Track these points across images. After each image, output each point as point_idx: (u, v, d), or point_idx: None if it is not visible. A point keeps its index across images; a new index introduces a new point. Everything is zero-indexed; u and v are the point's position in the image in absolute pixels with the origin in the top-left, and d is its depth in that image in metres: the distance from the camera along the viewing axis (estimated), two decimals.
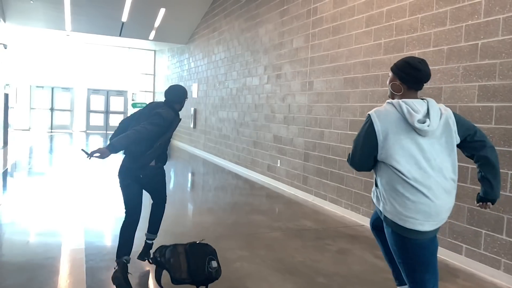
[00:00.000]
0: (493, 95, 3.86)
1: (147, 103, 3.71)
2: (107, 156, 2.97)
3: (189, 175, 9.84)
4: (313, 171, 6.72)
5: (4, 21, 12.24)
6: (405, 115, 2.10)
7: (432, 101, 2.18)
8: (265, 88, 8.53)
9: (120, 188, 3.44)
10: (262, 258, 4.07)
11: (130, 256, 3.33)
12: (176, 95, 3.52)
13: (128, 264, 3.25)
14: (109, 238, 4.62)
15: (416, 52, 4.69)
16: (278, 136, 7.93)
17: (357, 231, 5.16)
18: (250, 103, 9.24)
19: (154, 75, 19.54)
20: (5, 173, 8.30)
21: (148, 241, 3.75)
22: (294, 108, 7.38)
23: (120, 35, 14.02)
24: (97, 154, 2.89)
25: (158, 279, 3.24)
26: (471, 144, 2.25)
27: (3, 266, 3.63)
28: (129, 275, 3.24)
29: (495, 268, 3.81)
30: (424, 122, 2.09)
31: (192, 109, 13.45)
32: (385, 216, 2.20)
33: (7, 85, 13.63)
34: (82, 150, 3.05)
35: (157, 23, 13.23)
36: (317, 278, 3.64)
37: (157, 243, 4.17)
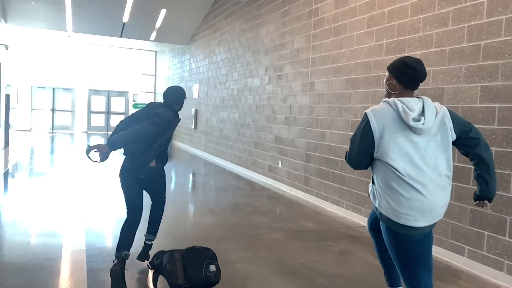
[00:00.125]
0: (496, 96, 3.85)
1: (147, 103, 3.70)
2: (106, 153, 3.01)
3: (190, 175, 9.83)
4: (314, 172, 6.70)
5: (6, 22, 12.25)
6: (401, 113, 2.14)
7: (427, 100, 2.21)
8: (266, 89, 8.52)
9: (121, 188, 3.45)
10: (263, 259, 4.05)
11: (129, 260, 3.35)
12: (175, 97, 3.55)
13: (126, 260, 3.27)
14: (110, 239, 4.61)
15: (418, 53, 4.68)
16: (279, 137, 7.92)
17: (358, 232, 5.14)
18: (251, 103, 9.23)
19: (155, 75, 19.54)
20: (6, 174, 8.30)
21: (147, 242, 3.76)
22: (295, 109, 7.37)
23: (121, 36, 14.03)
24: (95, 150, 2.91)
25: (154, 284, 3.28)
26: (466, 141, 2.28)
27: (4, 267, 3.62)
28: (128, 275, 3.24)
29: (497, 269, 3.79)
30: (419, 121, 2.13)
31: (193, 109, 13.44)
32: (380, 213, 2.24)
33: (8, 85, 13.64)
34: (88, 156, 3.07)
35: (158, 23, 13.23)
36: (318, 280, 3.63)
37: (158, 244, 4.16)
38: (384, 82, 2.35)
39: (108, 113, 19.63)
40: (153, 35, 14.15)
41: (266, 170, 8.43)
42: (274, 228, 5.21)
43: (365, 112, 2.24)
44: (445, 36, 4.36)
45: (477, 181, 2.36)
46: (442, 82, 4.38)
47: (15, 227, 4.93)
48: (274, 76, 8.18)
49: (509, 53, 3.74)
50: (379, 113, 2.19)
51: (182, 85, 14.97)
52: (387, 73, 2.33)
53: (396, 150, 2.13)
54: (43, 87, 18.68)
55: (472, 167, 3.81)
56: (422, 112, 2.16)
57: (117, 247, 3.29)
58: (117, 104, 19.79)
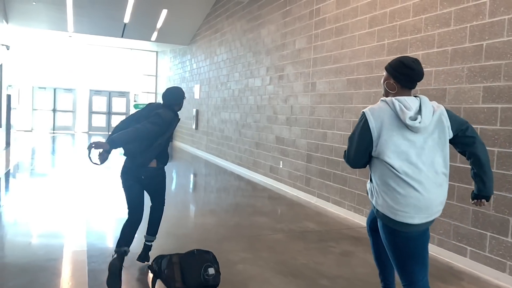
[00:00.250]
0: (498, 96, 3.83)
1: (147, 104, 3.72)
2: (106, 153, 3.05)
3: (191, 176, 9.82)
4: (316, 172, 6.69)
5: (7, 22, 12.26)
6: (398, 112, 2.17)
7: (425, 98, 2.24)
8: (268, 89, 8.51)
9: (122, 188, 3.48)
10: (265, 260, 4.04)
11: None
12: (174, 98, 3.57)
13: (126, 256, 3.28)
14: (111, 239, 4.60)
15: (419, 53, 4.67)
16: (281, 137, 7.90)
17: (360, 233, 5.12)
18: (252, 104, 9.22)
19: (156, 76, 19.54)
20: (7, 174, 8.30)
21: (147, 243, 3.78)
22: (296, 109, 7.36)
23: (122, 36, 14.03)
24: (94, 146, 2.93)
25: (152, 287, 3.28)
26: (463, 140, 2.32)
27: (5, 267, 3.62)
28: (128, 276, 3.22)
29: (500, 271, 3.78)
30: (415, 119, 2.16)
31: (194, 110, 13.43)
32: (377, 210, 2.28)
33: (9, 86, 13.65)
34: (89, 157, 3.10)
35: (159, 24, 13.23)
36: (320, 281, 3.61)
37: (159, 245, 4.15)
38: (382, 81, 2.39)
39: (109, 113, 19.63)
40: (154, 36, 14.15)
41: (267, 171, 8.41)
42: (276, 229, 5.19)
43: (363, 111, 2.26)
44: (447, 36, 4.35)
45: (474, 180, 2.39)
46: (444, 83, 4.36)
47: (16, 228, 4.93)
48: (275, 77, 8.17)
49: (511, 53, 3.72)
50: (377, 112, 2.22)
51: (183, 85, 14.97)
52: (384, 73, 2.36)
53: (393, 148, 2.16)
54: (44, 88, 18.69)
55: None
56: (419, 111, 2.19)
57: (117, 243, 3.31)
58: (118, 105, 19.79)
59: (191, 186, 8.62)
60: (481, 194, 2.39)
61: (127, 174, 3.44)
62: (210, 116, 12.11)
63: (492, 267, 3.84)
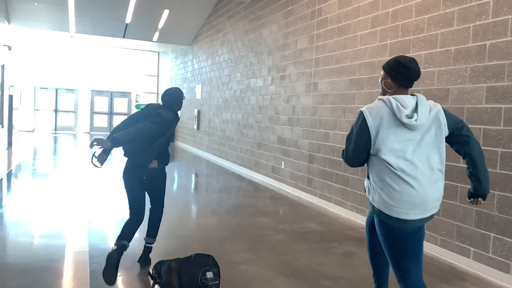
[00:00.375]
0: (502, 97, 3.81)
1: (146, 104, 3.74)
2: (105, 155, 3.12)
3: (193, 176, 9.81)
4: (318, 173, 6.67)
5: (9, 22, 12.27)
6: (394, 110, 2.21)
7: (421, 97, 2.29)
8: (269, 90, 8.50)
9: (124, 189, 3.50)
10: (267, 261, 4.02)
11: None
12: (174, 99, 3.60)
13: (125, 251, 3.29)
14: (113, 240, 4.57)
15: (422, 53, 4.65)
16: (282, 137, 7.89)
17: (362, 233, 5.10)
18: (254, 104, 9.21)
19: (158, 76, 19.55)
20: (9, 174, 8.30)
21: (147, 245, 3.78)
22: (298, 109, 7.34)
23: (124, 37, 14.03)
24: (96, 143, 2.92)
25: None
26: (458, 138, 2.36)
27: (7, 268, 3.61)
28: (130, 277, 3.20)
29: (503, 272, 3.75)
30: (411, 117, 2.20)
31: (196, 110, 13.43)
32: (373, 206, 2.33)
33: (11, 86, 13.67)
34: (91, 160, 3.19)
35: (160, 24, 13.23)
36: (322, 282, 3.60)
37: (161, 245, 4.15)
38: (379, 80, 2.42)
39: (111, 113, 19.64)
40: (156, 36, 14.15)
41: (269, 171, 8.40)
42: (278, 230, 5.18)
43: (360, 110, 2.30)
44: (450, 36, 4.33)
45: (470, 179, 2.43)
46: (447, 83, 4.34)
47: (18, 228, 4.92)
48: (277, 77, 8.16)
49: None
50: (375, 110, 2.26)
51: (184, 85, 14.98)
52: (382, 72, 2.39)
53: (389, 145, 2.21)
54: (46, 88, 18.71)
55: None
56: (416, 109, 2.23)
57: (117, 237, 3.33)
58: (120, 105, 19.80)
59: (192, 186, 8.61)
60: (477, 193, 2.42)
61: (128, 175, 3.48)
62: (211, 116, 12.10)
63: (496, 268, 3.82)
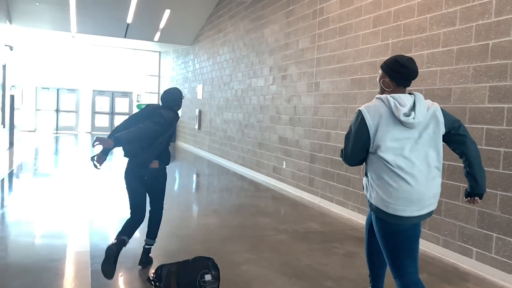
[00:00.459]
0: (505, 96, 3.79)
1: (145, 105, 3.79)
2: (104, 155, 3.18)
3: (194, 176, 9.80)
4: (319, 172, 6.66)
5: (10, 23, 12.28)
6: (392, 109, 2.25)
7: (419, 95, 2.32)
8: (271, 89, 8.48)
9: (126, 189, 3.52)
10: (268, 261, 4.01)
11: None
12: (173, 100, 3.64)
13: (124, 247, 3.33)
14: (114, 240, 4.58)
15: (424, 53, 4.63)
16: (284, 137, 7.88)
17: (364, 233, 5.08)
18: (255, 104, 9.19)
19: (159, 76, 19.55)
20: (11, 174, 8.30)
21: (146, 246, 3.76)
22: (300, 109, 7.33)
23: (125, 37, 14.03)
24: (97, 143, 2.95)
25: None
26: (454, 137, 2.39)
27: (8, 268, 3.60)
28: (131, 278, 3.18)
29: (506, 272, 3.74)
30: (409, 115, 2.23)
31: (197, 110, 13.42)
32: (371, 203, 2.37)
33: (13, 86, 13.68)
34: (92, 161, 3.27)
35: (162, 24, 13.23)
36: (324, 282, 3.58)
37: (162, 245, 4.14)
38: (378, 79, 2.46)
39: (112, 113, 19.65)
40: (157, 36, 14.15)
41: (270, 171, 8.39)
42: (279, 230, 5.17)
43: (359, 110, 2.33)
44: (452, 35, 4.31)
45: (467, 178, 2.46)
46: (450, 82, 4.33)
47: (19, 228, 4.92)
48: (279, 77, 8.14)
49: None
50: (373, 109, 2.29)
51: (185, 85, 14.97)
52: (380, 71, 2.43)
53: (388, 143, 2.24)
54: (48, 88, 18.71)
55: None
56: (413, 107, 2.26)
57: (118, 232, 3.37)
58: (121, 105, 19.80)
59: (193, 186, 8.60)
60: (474, 192, 2.45)
61: (130, 175, 3.52)
62: (213, 116, 12.09)
63: (498, 268, 3.80)
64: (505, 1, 3.80)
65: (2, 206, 5.93)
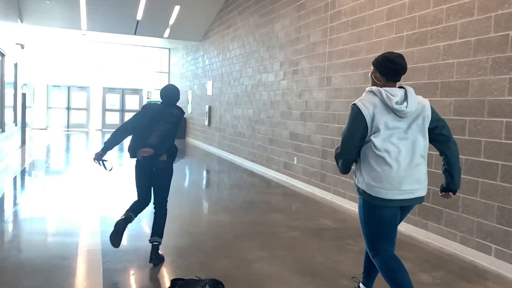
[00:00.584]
0: None
1: (144, 105, 3.98)
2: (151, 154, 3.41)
3: (204, 173, 9.76)
4: (332, 168, 6.55)
5: (21, 21, 12.34)
6: (385, 99, 2.41)
7: (410, 88, 2.50)
8: (281, 85, 8.39)
9: (134, 180, 3.79)
10: (281, 259, 3.94)
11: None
12: (173, 96, 3.84)
13: (130, 223, 3.70)
14: (125, 238, 4.55)
15: (441, 44, 4.50)
16: (295, 133, 7.78)
17: None
18: (266, 99, 9.11)
19: (169, 73, 19.55)
20: (23, 172, 8.36)
21: (154, 243, 3.73)
22: (311, 104, 7.22)
23: (135, 34, 14.02)
24: (144, 154, 3.33)
25: None
26: (438, 137, 2.55)
27: (20, 266, 3.59)
28: (143, 277, 3.13)
29: None
30: (401, 104, 2.41)
31: (207, 106, 13.38)
32: (358, 187, 2.56)
33: (24, 85, 13.77)
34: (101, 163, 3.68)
35: (171, 20, 13.18)
36: (339, 280, 3.50)
37: (174, 243, 4.11)
38: (369, 74, 2.63)
39: (122, 110, 19.72)
40: (167, 32, 14.12)
41: (281, 167, 8.31)
42: (291, 227, 5.10)
43: (353, 104, 2.49)
44: (470, 26, 4.17)
45: (444, 175, 2.65)
46: (467, 75, 4.19)
47: (31, 226, 4.93)
48: (289, 71, 8.04)
49: None
50: (366, 101, 2.45)
51: (195, 82, 14.95)
52: (372, 67, 2.59)
53: (381, 131, 2.41)
54: (59, 86, 18.84)
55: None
56: (406, 98, 2.44)
57: (126, 209, 3.73)
58: (132, 102, 19.86)
59: (204, 183, 8.56)
60: (449, 188, 2.66)
61: (140, 166, 3.74)
62: (222, 112, 12.03)
63: None
64: None
65: (15, 203, 5.95)
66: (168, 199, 3.87)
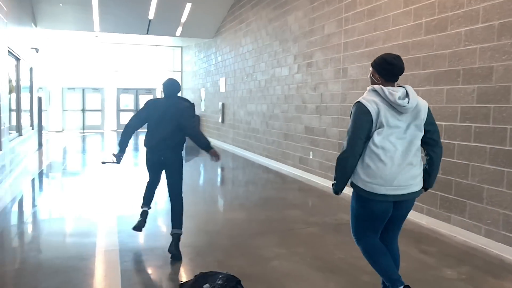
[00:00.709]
0: None
1: (147, 101, 4.14)
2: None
3: (219, 170, 9.71)
4: None
5: (35, 25, 12.47)
6: (387, 96, 2.47)
7: (410, 87, 2.57)
8: (295, 78, 8.26)
9: (146, 165, 4.03)
10: (300, 255, 3.85)
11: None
12: (175, 89, 4.03)
13: (148, 213, 4.19)
14: (143, 237, 4.52)
15: (462, 30, 4.32)
16: (310, 127, 7.66)
17: None
18: (280, 94, 8.99)
19: (182, 71, 19.57)
20: (40, 174, 8.43)
21: (174, 235, 3.78)
22: (326, 97, 7.08)
23: (147, 33, 14.03)
24: (218, 159, 3.94)
25: None
26: (427, 140, 2.64)
27: (38, 268, 3.58)
28: (162, 276, 3.10)
29: None
30: (404, 99, 2.48)
31: (220, 103, 13.33)
32: (351, 181, 2.64)
33: (40, 88, 13.93)
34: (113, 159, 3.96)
35: (183, 18, 13.15)
36: (361, 277, 3.39)
37: (191, 242, 4.05)
38: (369, 76, 2.71)
39: (136, 111, 19.79)
40: (179, 31, 14.09)
41: (296, 162, 8.19)
42: (309, 222, 4.99)
43: (357, 101, 2.54)
44: (493, 9, 3.98)
45: (423, 173, 2.72)
46: (491, 60, 4.01)
47: (50, 227, 4.93)
48: (304, 64, 7.91)
49: None
50: (369, 99, 2.52)
51: (208, 79, 14.92)
52: (371, 68, 2.66)
53: (384, 127, 2.48)
54: (73, 88, 19.03)
55: None
56: (406, 95, 2.52)
57: (141, 205, 4.23)
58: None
59: (219, 180, 8.51)
60: (424, 186, 2.72)
61: (150, 156, 3.96)
62: (236, 109, 11.96)
63: None
64: None
65: (34, 205, 5.99)
66: (183, 195, 3.92)
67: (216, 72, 14.04)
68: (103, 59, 18.84)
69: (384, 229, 2.75)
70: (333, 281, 3.32)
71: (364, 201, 2.60)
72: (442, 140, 4.55)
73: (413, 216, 4.98)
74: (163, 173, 4.00)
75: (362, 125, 2.49)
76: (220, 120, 13.43)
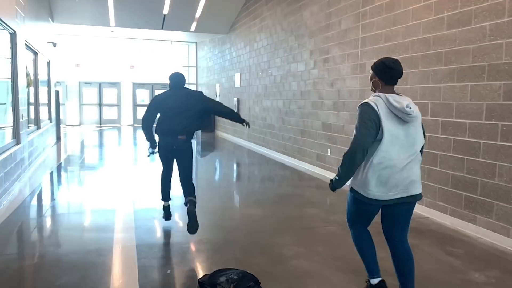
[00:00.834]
0: None
1: (155, 96, 4.47)
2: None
3: (234, 166, 9.68)
4: None
5: (52, 20, 12.59)
6: (393, 104, 2.54)
7: (409, 98, 2.69)
8: (312, 74, 8.15)
9: (159, 154, 4.32)
10: (321, 255, 3.79)
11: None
12: (181, 81, 4.37)
13: (170, 208, 4.59)
14: (160, 233, 4.52)
15: (486, 24, 4.17)
16: (327, 123, 7.55)
17: (421, 224, 4.74)
18: (296, 90, 8.89)
19: (196, 67, 19.57)
20: (59, 168, 8.53)
21: (189, 201, 4.11)
22: (344, 93, 6.97)
23: (162, 28, 14.04)
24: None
25: None
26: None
27: (58, 263, 3.59)
28: (179, 275, 3.06)
29: None
30: (410, 108, 2.57)
31: (235, 99, 13.28)
32: (351, 187, 2.78)
33: (57, 83, 14.09)
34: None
35: (198, 13, 13.11)
36: (384, 278, 3.30)
37: (208, 239, 4.03)
38: (369, 79, 2.78)
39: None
40: (193, 26, 14.06)
41: (314, 159, 8.10)
42: (329, 221, 4.92)
43: (365, 102, 2.59)
44: None
45: None
46: None
47: (68, 221, 4.97)
48: (320, 60, 7.79)
49: None
50: (375, 104, 2.57)
51: (223, 75, 14.88)
52: (371, 72, 2.74)
53: (386, 135, 2.54)
54: (90, 83, 19.22)
55: None
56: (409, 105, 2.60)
57: (162, 199, 4.56)
58: None
59: (234, 176, 8.48)
60: None
61: (163, 144, 4.23)
62: (251, 105, 11.90)
63: None
64: None
65: (52, 198, 6.04)
66: (197, 189, 4.28)
67: (230, 67, 13.99)
68: (119, 54, 18.96)
69: (390, 230, 2.94)
70: (355, 283, 3.26)
71: (360, 202, 2.75)
72: (465, 139, 4.44)
73: (436, 216, 4.86)
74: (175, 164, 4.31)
75: (371, 120, 2.54)
76: None
